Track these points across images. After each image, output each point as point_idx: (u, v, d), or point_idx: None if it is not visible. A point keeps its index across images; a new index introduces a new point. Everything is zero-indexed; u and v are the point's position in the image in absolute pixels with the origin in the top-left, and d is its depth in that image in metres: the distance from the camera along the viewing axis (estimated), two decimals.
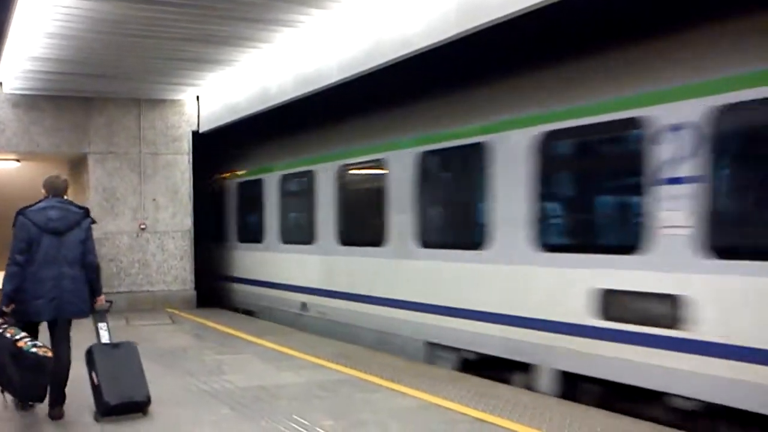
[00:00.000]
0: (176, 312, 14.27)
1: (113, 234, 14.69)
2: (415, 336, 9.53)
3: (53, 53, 10.94)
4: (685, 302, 6.09)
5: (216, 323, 12.63)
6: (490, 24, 7.11)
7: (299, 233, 12.77)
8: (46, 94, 13.94)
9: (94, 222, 6.71)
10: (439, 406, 6.71)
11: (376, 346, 10.09)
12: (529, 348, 7.69)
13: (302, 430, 6.00)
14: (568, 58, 7.77)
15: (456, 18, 7.45)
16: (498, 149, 8.14)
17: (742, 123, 5.95)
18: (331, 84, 9.94)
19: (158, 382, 7.56)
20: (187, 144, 15.24)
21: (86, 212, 6.60)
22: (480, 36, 7.50)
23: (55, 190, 6.57)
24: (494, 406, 6.66)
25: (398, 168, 9.88)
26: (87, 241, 6.50)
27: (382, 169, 10.28)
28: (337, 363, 8.76)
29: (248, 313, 14.77)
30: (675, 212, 6.15)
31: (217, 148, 16.21)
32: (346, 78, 9.54)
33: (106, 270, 14.53)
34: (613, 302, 6.75)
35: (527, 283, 7.76)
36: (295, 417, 6.33)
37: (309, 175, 12.25)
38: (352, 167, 11.14)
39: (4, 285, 6.18)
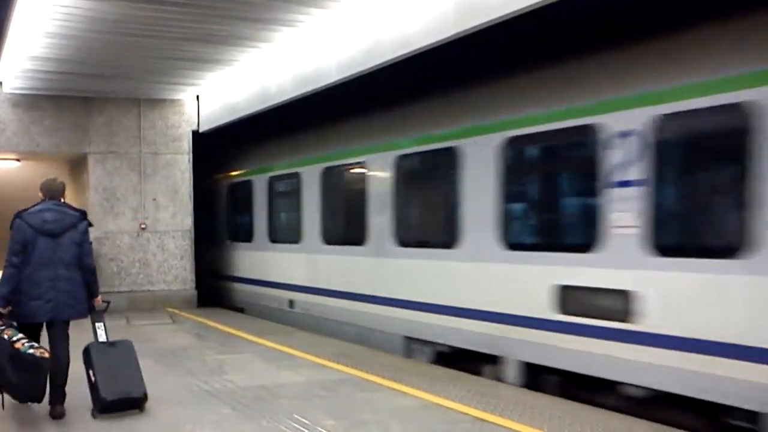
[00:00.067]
0: (177, 312, 14.27)
1: (114, 234, 14.70)
2: (393, 331, 9.97)
3: (53, 53, 10.94)
4: (634, 297, 6.56)
5: (217, 323, 12.64)
6: (490, 24, 7.11)
7: (287, 233, 13.24)
8: (46, 94, 13.94)
9: (90, 225, 6.77)
10: (441, 405, 6.72)
11: (359, 341, 10.48)
12: (497, 341, 8.17)
13: (303, 429, 6.01)
14: (530, 67, 8.22)
15: (455, 18, 7.45)
16: (467, 153, 8.61)
17: (680, 130, 6.44)
18: (330, 84, 9.95)
19: (159, 382, 7.58)
20: (187, 144, 15.24)
21: (83, 215, 6.65)
22: (451, 46, 7.85)
23: (51, 192, 6.65)
24: (495, 405, 6.67)
25: (377, 170, 10.38)
26: (83, 244, 6.55)
27: (362, 171, 10.71)
28: (338, 362, 8.77)
29: (239, 310, 15.04)
30: (624, 213, 6.63)
31: (216, 148, 16.28)
32: (344, 78, 9.55)
33: (107, 269, 14.57)
34: (570, 297, 7.23)
35: (494, 279, 8.22)
36: (297, 417, 6.34)
37: (295, 177, 12.71)
38: (334, 169, 11.56)
39: (0, 287, 6.25)
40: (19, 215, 6.38)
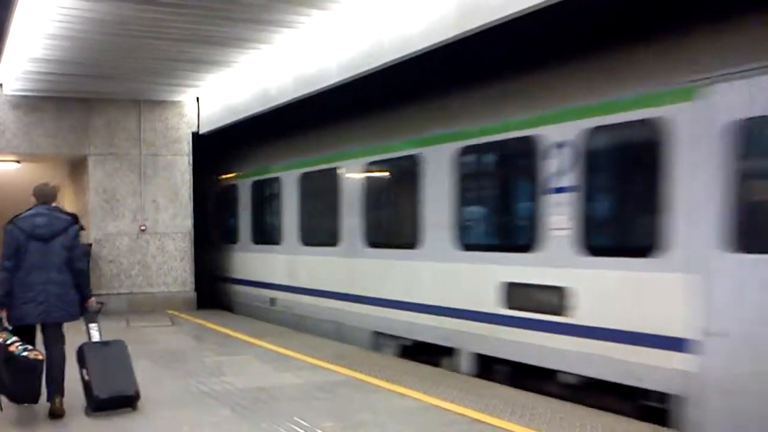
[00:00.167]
0: (176, 313, 14.28)
1: (113, 235, 14.70)
2: (364, 326, 10.64)
3: (53, 54, 10.95)
4: (567, 292, 7.23)
5: (216, 325, 12.65)
6: (490, 25, 7.13)
7: (269, 235, 13.92)
8: (46, 96, 13.95)
9: (82, 228, 6.91)
10: (438, 406, 6.72)
11: (333, 336, 11.15)
12: (452, 334, 8.85)
13: (302, 431, 6.01)
14: (485, 81, 8.90)
15: (455, 19, 7.46)
16: (427, 161, 9.30)
17: (605, 142, 7.13)
18: (331, 85, 9.96)
19: (158, 384, 7.59)
20: (187, 145, 15.25)
21: (74, 219, 6.79)
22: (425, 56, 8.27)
23: (44, 197, 6.81)
24: (493, 406, 6.68)
25: (348, 175, 11.08)
26: (74, 248, 6.67)
27: (335, 176, 11.39)
28: (336, 364, 8.78)
29: (230, 310, 15.34)
30: (559, 216, 7.33)
31: (213, 151, 16.35)
32: (345, 79, 9.58)
33: (107, 271, 14.58)
34: (514, 293, 7.92)
35: (451, 277, 8.90)
36: (295, 418, 6.34)
37: (276, 182, 13.48)
38: (311, 175, 12.29)
39: None
40: (11, 221, 6.57)
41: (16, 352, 6.09)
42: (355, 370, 8.38)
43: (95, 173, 14.59)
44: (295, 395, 7.25)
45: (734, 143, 5.79)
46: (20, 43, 10.38)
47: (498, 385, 7.75)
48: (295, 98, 11.03)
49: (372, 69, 8.97)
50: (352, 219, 10.92)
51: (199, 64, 11.89)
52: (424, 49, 8.01)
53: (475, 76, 9.15)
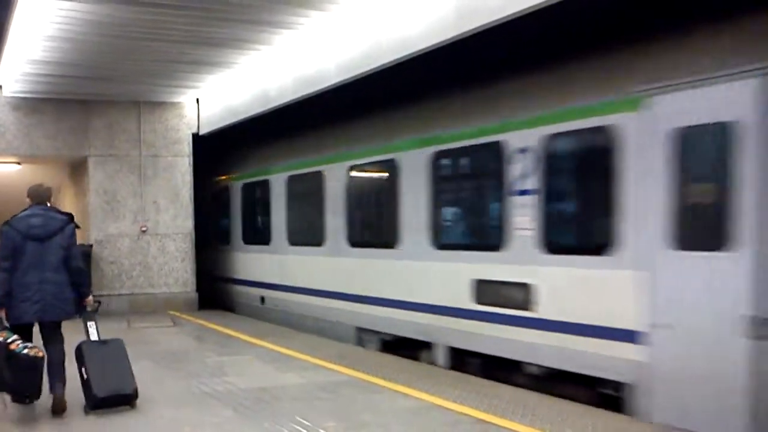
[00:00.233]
0: (178, 314, 14.28)
1: (114, 237, 14.70)
2: (347, 322, 11.12)
3: (53, 56, 10.95)
4: (531, 288, 7.69)
5: (217, 325, 12.65)
6: (490, 26, 7.13)
7: (258, 235, 14.37)
8: (46, 97, 13.95)
9: (78, 227, 6.97)
10: (441, 406, 6.73)
11: (319, 332, 11.63)
12: (429, 329, 9.31)
13: (305, 431, 6.02)
14: (460, 88, 9.33)
15: (455, 20, 7.47)
16: (404, 165, 9.76)
17: (563, 148, 7.56)
18: (330, 86, 9.97)
19: (160, 384, 7.61)
20: (187, 146, 15.25)
21: (69, 219, 6.85)
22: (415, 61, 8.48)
23: (39, 198, 6.89)
24: (496, 406, 6.69)
25: (332, 179, 11.55)
26: (70, 248, 6.74)
27: (320, 179, 11.84)
28: (339, 364, 8.79)
29: (228, 309, 15.52)
30: (523, 217, 7.79)
31: (213, 152, 16.38)
32: (344, 80, 9.59)
33: (108, 272, 14.59)
34: (484, 290, 8.38)
35: (427, 275, 9.36)
36: (298, 418, 6.35)
37: (265, 184, 13.93)
38: (298, 177, 12.77)
39: None
40: (7, 222, 6.64)
41: (17, 350, 6.20)
42: (358, 370, 8.39)
43: (96, 175, 14.59)
44: (298, 395, 7.26)
45: (674, 150, 6.23)
46: (20, 45, 10.37)
47: (501, 384, 7.77)
48: (294, 99, 11.04)
49: (370, 70, 8.99)
50: (336, 220, 11.39)
51: (199, 65, 11.89)
52: (423, 49, 8.04)
53: (447, 85, 9.66)
